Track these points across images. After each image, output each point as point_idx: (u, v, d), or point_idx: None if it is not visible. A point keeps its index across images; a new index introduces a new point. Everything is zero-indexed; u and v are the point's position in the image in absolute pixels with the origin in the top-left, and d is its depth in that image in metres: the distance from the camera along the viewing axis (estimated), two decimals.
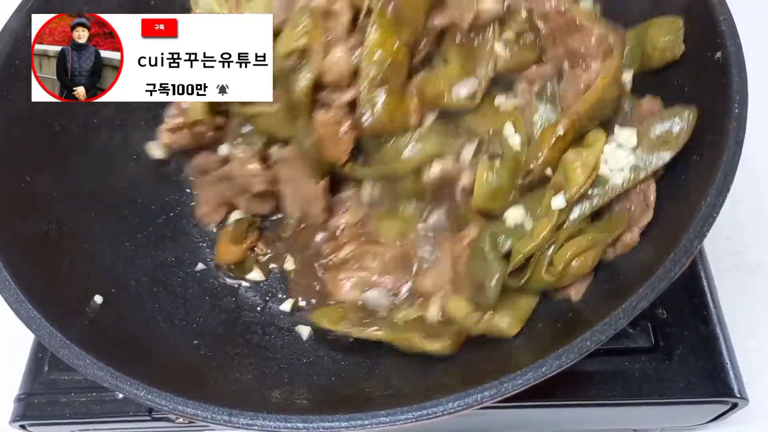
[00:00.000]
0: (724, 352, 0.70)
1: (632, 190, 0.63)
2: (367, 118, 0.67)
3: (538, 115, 0.65)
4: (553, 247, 0.61)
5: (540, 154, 0.62)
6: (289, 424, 0.50)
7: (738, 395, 0.68)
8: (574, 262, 0.61)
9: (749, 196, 0.95)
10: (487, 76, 0.67)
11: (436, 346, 0.62)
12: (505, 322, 0.62)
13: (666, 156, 0.61)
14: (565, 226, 0.62)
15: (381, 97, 0.66)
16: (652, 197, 0.62)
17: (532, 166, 0.63)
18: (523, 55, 0.68)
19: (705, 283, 0.74)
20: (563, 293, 0.64)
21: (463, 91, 0.67)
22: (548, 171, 0.63)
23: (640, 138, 0.62)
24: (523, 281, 0.62)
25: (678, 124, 0.61)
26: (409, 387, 0.63)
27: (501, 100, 0.69)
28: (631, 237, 0.62)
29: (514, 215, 0.64)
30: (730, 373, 0.68)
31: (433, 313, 0.66)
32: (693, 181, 0.59)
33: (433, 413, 0.50)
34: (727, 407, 0.70)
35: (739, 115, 0.56)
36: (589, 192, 0.62)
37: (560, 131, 0.62)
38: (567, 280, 0.62)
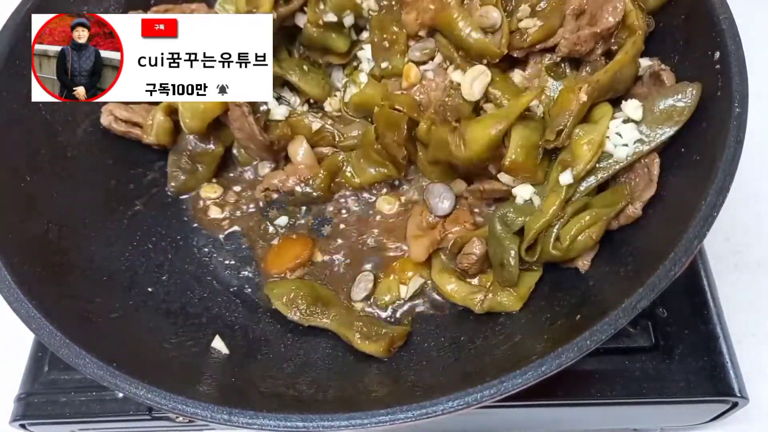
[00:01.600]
0: (724, 351, 0.70)
1: (637, 163, 0.64)
2: None
3: (548, 87, 0.69)
4: (559, 222, 0.63)
5: (565, 120, 0.63)
6: (288, 423, 0.50)
7: (738, 394, 0.68)
8: (579, 237, 0.63)
9: (749, 195, 0.95)
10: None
11: (371, 348, 0.65)
12: (508, 299, 0.66)
13: (669, 131, 0.62)
14: (571, 201, 0.64)
15: None
16: (656, 171, 0.63)
17: (560, 129, 0.63)
18: (549, 24, 0.67)
19: (705, 283, 0.74)
20: (571, 264, 0.66)
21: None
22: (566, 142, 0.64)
23: (644, 112, 0.63)
24: (536, 257, 0.65)
25: (682, 99, 0.62)
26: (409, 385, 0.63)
27: (515, 76, 0.71)
28: (634, 210, 0.63)
29: (523, 192, 0.66)
30: (730, 372, 0.69)
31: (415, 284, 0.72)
32: (693, 181, 0.59)
33: (433, 412, 0.50)
34: (728, 406, 0.70)
35: (739, 115, 0.56)
36: (595, 166, 0.63)
37: (583, 98, 0.62)
38: (573, 254, 0.64)
